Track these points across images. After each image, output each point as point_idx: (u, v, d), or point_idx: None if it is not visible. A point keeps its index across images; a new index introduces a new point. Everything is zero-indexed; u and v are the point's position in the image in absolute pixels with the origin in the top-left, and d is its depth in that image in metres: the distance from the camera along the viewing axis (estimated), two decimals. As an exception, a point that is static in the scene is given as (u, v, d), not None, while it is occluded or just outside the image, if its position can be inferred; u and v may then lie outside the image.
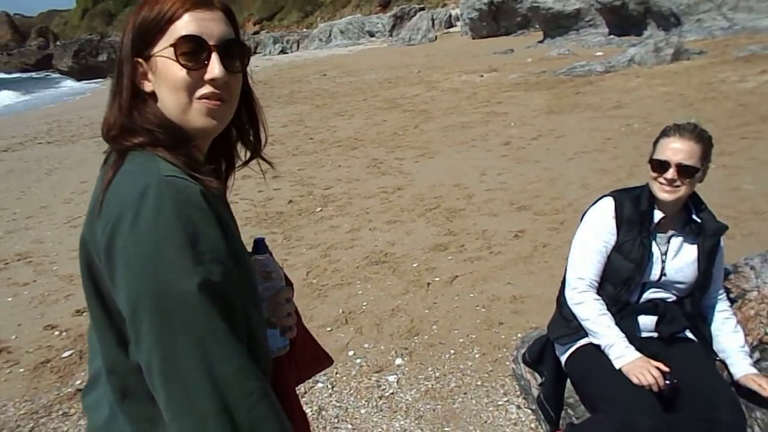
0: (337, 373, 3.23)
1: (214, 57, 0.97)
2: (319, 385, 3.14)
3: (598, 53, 16.30)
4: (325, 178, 7.32)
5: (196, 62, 0.97)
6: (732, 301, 2.42)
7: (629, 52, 13.46)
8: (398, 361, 3.29)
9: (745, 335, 2.25)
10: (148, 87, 0.99)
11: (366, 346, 3.49)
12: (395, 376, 3.14)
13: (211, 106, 0.99)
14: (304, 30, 56.10)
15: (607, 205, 2.24)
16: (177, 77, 0.96)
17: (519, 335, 3.36)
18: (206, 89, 0.98)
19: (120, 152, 0.97)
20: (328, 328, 3.72)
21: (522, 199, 5.75)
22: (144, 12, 0.97)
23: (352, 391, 3.07)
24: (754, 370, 2.11)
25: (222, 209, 0.96)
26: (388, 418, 2.82)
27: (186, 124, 1.00)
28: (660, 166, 2.13)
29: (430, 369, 3.19)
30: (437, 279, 4.25)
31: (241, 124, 1.12)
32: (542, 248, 4.58)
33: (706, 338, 2.24)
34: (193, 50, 0.96)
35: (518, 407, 2.78)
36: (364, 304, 3.99)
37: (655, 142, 2.23)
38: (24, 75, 53.84)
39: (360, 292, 4.16)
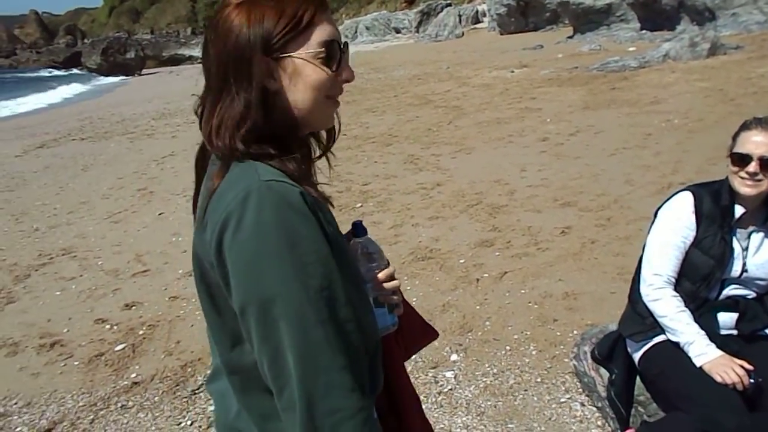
0: (392, 370, 3.22)
1: (345, 59, 1.03)
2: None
3: (631, 48, 16.05)
4: (363, 174, 7.33)
5: (336, 65, 1.01)
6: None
7: (664, 47, 13.23)
8: (453, 357, 3.28)
9: (826, 334, 2.20)
10: (273, 86, 0.98)
11: (419, 341, 3.47)
12: (452, 372, 3.13)
13: (337, 105, 1.06)
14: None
15: (686, 199, 2.20)
16: (321, 79, 0.99)
17: (575, 332, 3.33)
18: (337, 89, 1.04)
19: (227, 158, 0.97)
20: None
21: (565, 195, 5.69)
22: (272, 13, 0.96)
23: (409, 387, 3.06)
24: (838, 371, 2.06)
25: (320, 207, 0.97)
26: (449, 414, 2.82)
27: (312, 122, 1.04)
28: (741, 160, 2.09)
29: (486, 365, 3.18)
30: (486, 275, 4.23)
31: None
32: (590, 245, 4.53)
33: (786, 336, 2.20)
34: (334, 54, 1.00)
35: (582, 404, 2.75)
36: (414, 300, 3.98)
37: (735, 136, 2.18)
38: (64, 72, 54.92)
39: (409, 288, 4.16)
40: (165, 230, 6.00)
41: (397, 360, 1.23)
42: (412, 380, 3.06)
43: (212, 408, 3.07)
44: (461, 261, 4.51)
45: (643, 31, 18.86)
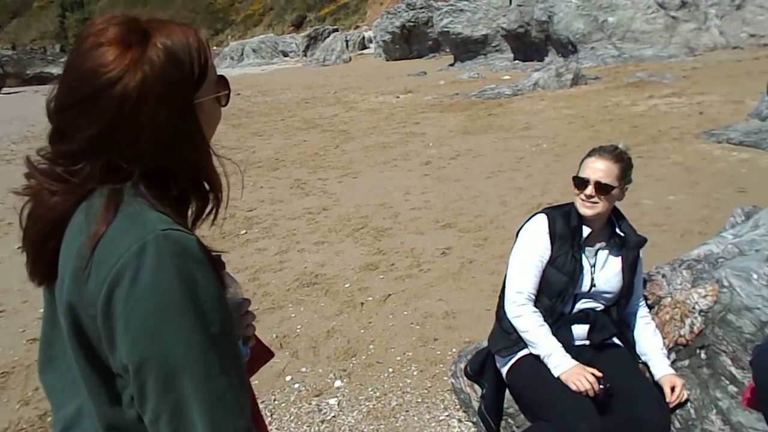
0: (275, 400, 3.18)
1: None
2: (259, 410, 3.10)
3: (506, 77, 17.12)
4: (248, 200, 7.21)
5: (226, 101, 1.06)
6: (649, 307, 2.63)
7: (534, 77, 14.23)
8: (338, 383, 3.30)
9: (663, 338, 2.46)
10: None
11: (303, 370, 3.46)
12: (336, 399, 3.15)
13: None
14: (215, 48, 54.95)
15: (541, 221, 2.39)
16: (218, 116, 1.04)
17: (454, 350, 3.47)
18: None
19: (115, 194, 0.91)
20: (264, 353, 3.67)
21: (446, 217, 5.94)
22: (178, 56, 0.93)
23: (292, 417, 3.04)
24: (671, 371, 2.32)
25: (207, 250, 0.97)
26: (332, 440, 2.83)
27: None
28: (582, 183, 2.31)
29: (370, 389, 3.23)
30: (370, 298, 4.31)
31: None
32: (469, 264, 4.75)
33: (630, 343, 2.44)
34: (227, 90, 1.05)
35: (459, 420, 2.87)
36: (298, 327, 3.97)
37: (581, 162, 2.41)
38: None
39: (293, 315, 4.14)
40: (23, 266, 5.54)
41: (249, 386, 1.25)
42: (295, 410, 3.07)
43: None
44: (346, 285, 4.57)
45: (516, 61, 20.19)
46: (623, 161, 2.35)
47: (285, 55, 39.03)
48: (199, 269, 0.88)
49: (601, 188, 2.28)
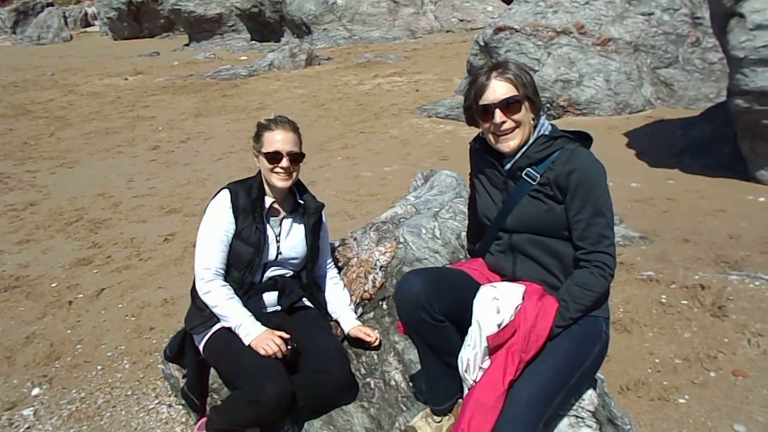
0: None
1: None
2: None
3: (243, 57, 16.95)
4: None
5: None
6: (340, 269, 2.87)
7: (269, 57, 14.33)
8: (35, 391, 3.00)
9: (351, 295, 2.70)
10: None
11: (-6, 384, 3.07)
12: (31, 409, 2.86)
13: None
14: None
15: (224, 197, 2.42)
16: None
17: (170, 336, 3.38)
18: None
19: None
20: (-58, 375, 3.16)
21: (172, 203, 5.72)
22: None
23: (-23, 440, 2.69)
24: (358, 323, 2.55)
25: None
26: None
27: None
28: (274, 158, 2.39)
29: (74, 391, 2.99)
30: (81, 295, 3.97)
31: None
32: (193, 248, 4.61)
33: (321, 303, 2.62)
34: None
35: (169, 405, 2.82)
36: (-9, 338, 3.50)
37: (258, 137, 2.48)
38: None
39: (-16, 326, 3.63)
40: None
41: None
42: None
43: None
44: (53, 285, 4.14)
45: (254, 42, 20.09)
46: (298, 129, 2.51)
47: (-12, 31, 33.33)
48: None
49: (295, 158, 2.42)
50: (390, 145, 7.51)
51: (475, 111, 2.00)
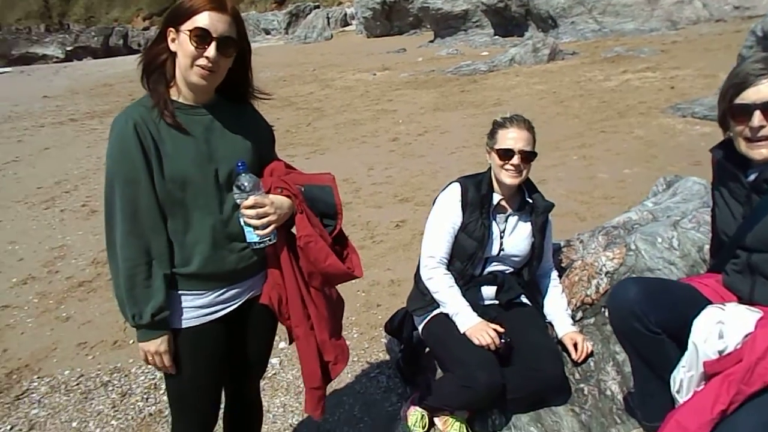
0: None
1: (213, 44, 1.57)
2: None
3: (484, 53, 17.17)
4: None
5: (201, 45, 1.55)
6: (563, 270, 2.81)
7: (510, 52, 14.31)
8: (282, 344, 3.47)
9: (570, 298, 2.64)
10: (172, 47, 1.62)
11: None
12: (278, 359, 3.33)
13: (203, 73, 1.60)
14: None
15: (454, 190, 2.54)
16: (188, 50, 1.57)
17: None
18: (203, 61, 1.57)
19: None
20: None
21: (405, 192, 6.09)
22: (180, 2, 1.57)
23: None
24: (573, 329, 2.49)
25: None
26: (270, 396, 3.02)
27: (186, 79, 1.63)
28: (506, 154, 2.43)
29: (312, 350, 3.40)
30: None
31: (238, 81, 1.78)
32: (420, 236, 4.87)
33: (538, 303, 2.61)
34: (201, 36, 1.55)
35: (389, 377, 3.06)
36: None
37: (493, 135, 2.54)
38: None
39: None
40: (0, 239, 5.69)
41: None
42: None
43: (35, 411, 3.04)
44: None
45: (496, 37, 20.20)
46: (533, 128, 2.49)
47: (267, 33, 38.66)
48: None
49: (527, 156, 2.41)
50: (633, 146, 7.01)
51: (730, 110, 1.80)
